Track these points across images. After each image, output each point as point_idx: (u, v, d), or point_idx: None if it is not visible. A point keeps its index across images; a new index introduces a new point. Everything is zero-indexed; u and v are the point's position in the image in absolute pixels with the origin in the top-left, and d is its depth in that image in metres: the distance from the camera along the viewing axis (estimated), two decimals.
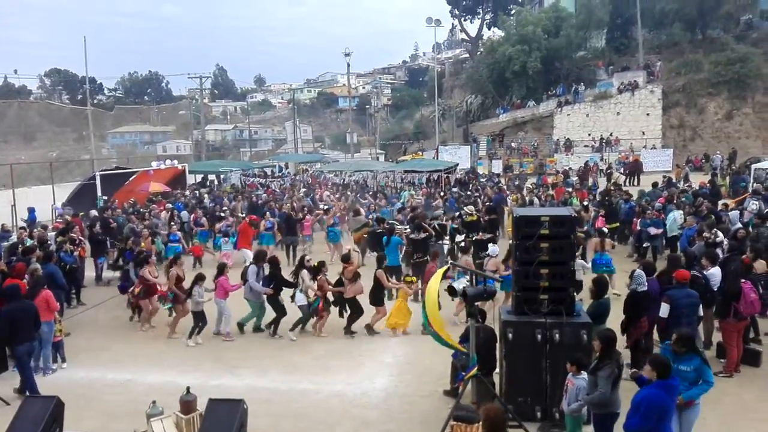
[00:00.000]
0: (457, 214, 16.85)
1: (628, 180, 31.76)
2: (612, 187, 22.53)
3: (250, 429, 5.60)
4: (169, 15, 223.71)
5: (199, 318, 11.02)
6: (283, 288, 11.49)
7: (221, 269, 11.49)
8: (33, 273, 10.22)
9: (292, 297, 11.34)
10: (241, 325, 11.64)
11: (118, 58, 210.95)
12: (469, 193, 23.64)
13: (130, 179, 26.48)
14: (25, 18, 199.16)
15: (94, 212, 19.28)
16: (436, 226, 15.07)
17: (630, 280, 9.07)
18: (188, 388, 6.55)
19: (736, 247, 11.02)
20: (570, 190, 22.96)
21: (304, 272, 11.30)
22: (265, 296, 11.46)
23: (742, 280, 9.11)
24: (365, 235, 16.39)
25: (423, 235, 13.88)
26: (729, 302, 8.85)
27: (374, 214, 18.25)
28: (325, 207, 19.86)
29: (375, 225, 16.02)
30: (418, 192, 24.90)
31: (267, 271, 11.67)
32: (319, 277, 11.30)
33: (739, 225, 13.84)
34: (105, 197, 23.47)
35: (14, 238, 15.53)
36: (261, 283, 11.46)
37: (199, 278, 11.07)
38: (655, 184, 21.61)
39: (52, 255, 12.24)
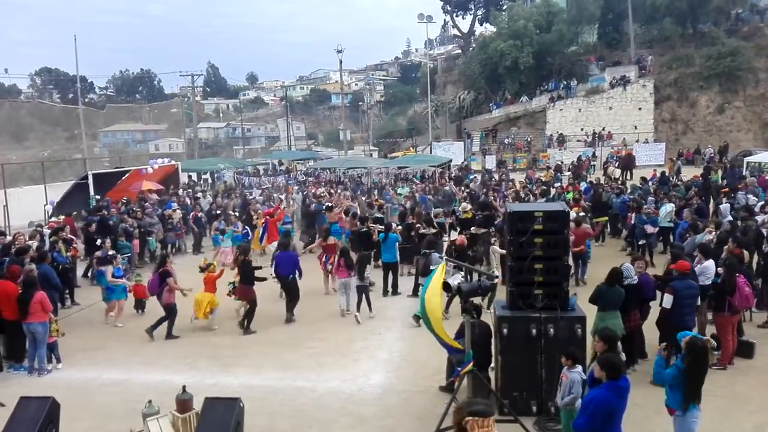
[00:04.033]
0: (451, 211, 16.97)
1: (622, 174, 31.82)
2: (604, 181, 22.55)
3: (246, 427, 5.60)
4: (158, 13, 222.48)
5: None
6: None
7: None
8: (28, 273, 10.18)
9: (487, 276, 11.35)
10: (417, 317, 11.09)
11: (109, 56, 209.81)
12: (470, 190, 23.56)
13: (123, 178, 26.30)
14: (14, 17, 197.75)
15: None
16: (435, 224, 15.11)
17: None
18: (184, 387, 6.55)
19: (723, 239, 11.07)
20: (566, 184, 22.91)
21: (496, 248, 12.16)
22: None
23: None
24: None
25: (433, 231, 14.05)
26: (724, 296, 8.90)
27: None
28: (328, 204, 19.77)
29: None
30: (405, 190, 24.70)
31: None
32: None
33: (730, 218, 13.92)
34: (98, 197, 23.32)
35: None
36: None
37: None
38: (644, 179, 21.62)
39: (46, 255, 12.16)
